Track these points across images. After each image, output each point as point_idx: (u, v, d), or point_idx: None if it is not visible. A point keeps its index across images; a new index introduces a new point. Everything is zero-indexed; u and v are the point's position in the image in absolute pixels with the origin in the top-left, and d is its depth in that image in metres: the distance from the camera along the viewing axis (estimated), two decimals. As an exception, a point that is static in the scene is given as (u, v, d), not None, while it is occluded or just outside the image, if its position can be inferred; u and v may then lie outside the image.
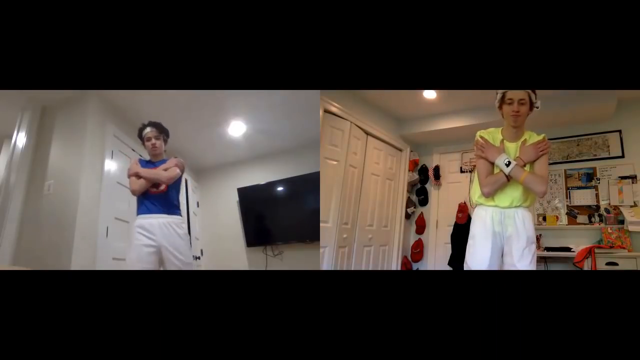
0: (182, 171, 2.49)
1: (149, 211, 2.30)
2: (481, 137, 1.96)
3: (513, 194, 1.85)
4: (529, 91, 1.83)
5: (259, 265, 4.58)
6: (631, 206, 3.47)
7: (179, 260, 2.25)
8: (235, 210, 4.87)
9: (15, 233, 2.90)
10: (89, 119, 3.06)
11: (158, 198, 2.34)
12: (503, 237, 1.84)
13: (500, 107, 1.90)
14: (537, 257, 3.78)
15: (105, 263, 2.93)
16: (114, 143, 3.33)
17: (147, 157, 2.56)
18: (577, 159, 3.86)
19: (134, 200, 3.53)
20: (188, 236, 2.45)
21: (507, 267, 1.83)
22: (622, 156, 3.64)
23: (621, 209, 3.49)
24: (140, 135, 2.54)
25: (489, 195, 1.85)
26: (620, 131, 3.69)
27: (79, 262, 2.66)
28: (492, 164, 1.87)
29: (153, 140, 2.46)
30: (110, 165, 3.23)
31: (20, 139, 3.12)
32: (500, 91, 1.87)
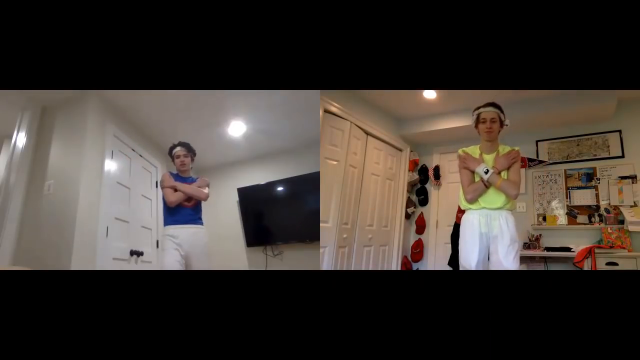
0: (208, 187, 2.86)
1: (179, 222, 2.62)
2: (463, 151, 2.29)
3: (497, 198, 2.13)
4: (499, 111, 2.20)
5: (259, 265, 4.58)
6: (631, 206, 3.47)
7: (200, 265, 2.56)
8: (235, 210, 4.86)
9: (15, 233, 2.90)
10: (89, 119, 3.06)
11: (189, 211, 2.67)
12: (489, 238, 2.10)
13: (476, 126, 2.26)
14: (537, 257, 3.80)
15: (105, 263, 2.93)
16: (114, 143, 3.33)
17: (174, 171, 2.89)
18: (577, 159, 3.86)
19: (133, 200, 3.56)
20: (207, 245, 2.74)
21: (493, 264, 2.09)
22: (622, 156, 3.64)
23: (621, 209, 3.49)
24: (170, 153, 2.87)
25: (472, 201, 2.16)
26: (620, 131, 3.69)
27: (79, 262, 2.66)
28: (473, 173, 2.19)
29: (182, 158, 2.79)
30: (110, 165, 3.23)
31: (20, 139, 3.12)
32: (474, 112, 2.25)
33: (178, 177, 2.81)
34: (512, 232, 2.08)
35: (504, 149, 2.22)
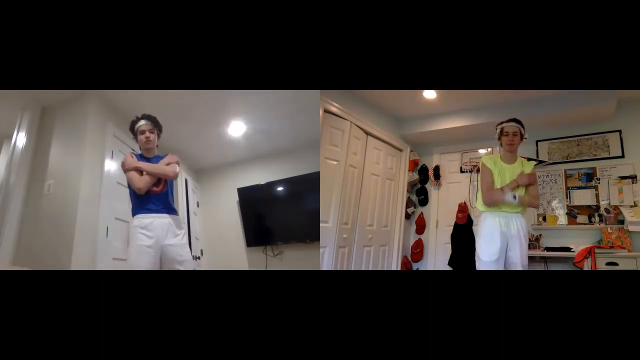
0: (179, 165, 2.46)
1: (150, 211, 2.24)
2: (485, 162, 2.53)
3: (517, 205, 2.42)
4: (520, 126, 2.48)
5: (259, 265, 4.58)
6: (631, 206, 3.47)
7: (179, 259, 2.23)
8: (235, 210, 4.87)
9: (15, 233, 2.90)
10: (89, 119, 3.06)
11: (158, 197, 2.29)
12: (508, 236, 2.39)
13: (499, 139, 2.53)
14: (537, 257, 3.83)
15: (105, 263, 2.93)
16: (114, 143, 3.33)
17: (139, 152, 2.47)
18: (577, 159, 3.86)
19: (133, 200, 3.55)
20: (187, 235, 2.44)
21: (510, 259, 2.37)
22: (622, 156, 3.64)
23: (621, 209, 3.49)
24: (132, 128, 2.45)
25: (490, 206, 2.45)
26: (620, 131, 3.68)
27: (79, 262, 2.66)
28: (493, 178, 2.46)
29: (147, 134, 2.37)
30: (110, 165, 3.23)
31: (20, 139, 3.12)
32: (498, 126, 2.51)
33: (142, 157, 2.37)
34: (525, 234, 2.42)
35: (522, 162, 2.54)
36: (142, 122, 2.41)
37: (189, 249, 2.38)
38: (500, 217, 2.42)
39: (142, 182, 2.22)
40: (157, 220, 2.23)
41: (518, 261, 2.35)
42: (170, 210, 2.33)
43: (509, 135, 2.46)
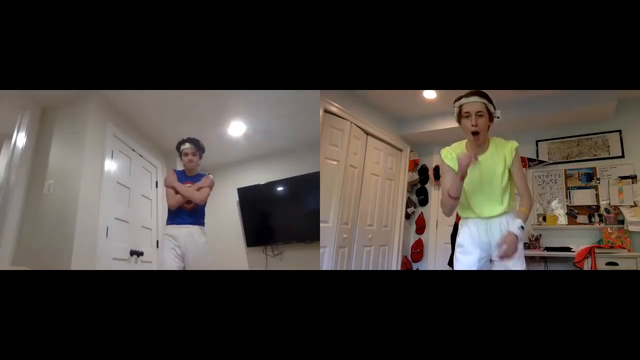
0: (211, 188, 2.75)
1: (178, 222, 2.58)
2: (447, 156, 1.90)
3: (496, 207, 1.85)
4: (486, 101, 1.78)
5: (259, 265, 4.58)
6: (631, 206, 3.47)
7: (197, 265, 2.52)
8: (235, 210, 4.86)
9: (15, 233, 2.90)
10: (89, 119, 3.05)
11: (189, 212, 2.60)
12: (491, 246, 1.83)
13: (459, 122, 1.84)
14: (537, 257, 3.78)
15: (105, 263, 2.93)
16: (114, 143, 3.32)
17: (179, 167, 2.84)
18: (577, 159, 3.86)
19: (133, 200, 3.56)
20: (207, 244, 2.67)
21: (497, 268, 1.85)
22: (622, 156, 3.64)
23: (621, 209, 3.49)
24: (178, 149, 2.78)
25: (446, 214, 1.92)
26: (620, 131, 3.69)
27: (79, 262, 2.66)
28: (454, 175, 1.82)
29: (190, 157, 2.70)
30: (110, 165, 3.23)
31: (20, 139, 3.12)
32: (456, 104, 1.83)
33: (183, 175, 2.72)
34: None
35: (497, 143, 1.87)
36: (187, 145, 2.73)
37: (206, 254, 2.64)
38: (479, 224, 1.86)
39: (173, 200, 2.57)
40: (182, 231, 2.56)
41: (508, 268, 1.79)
42: (196, 221, 2.63)
43: (471, 116, 1.75)
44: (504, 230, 1.81)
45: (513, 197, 1.90)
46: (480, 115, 1.76)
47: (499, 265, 1.84)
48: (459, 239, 1.94)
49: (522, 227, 1.76)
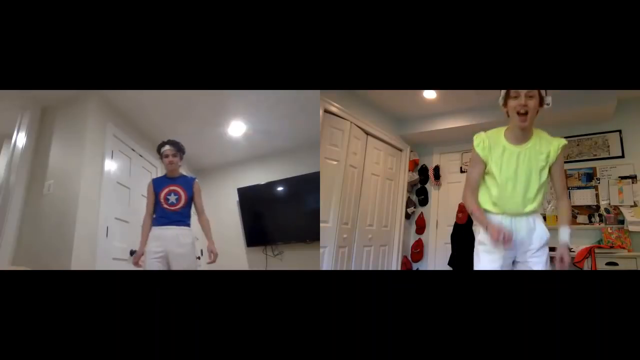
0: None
1: (162, 223, 2.58)
2: (480, 143, 1.77)
3: (525, 203, 1.73)
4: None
5: (259, 265, 4.58)
6: (631, 206, 3.47)
7: (181, 264, 2.49)
8: (235, 210, 4.86)
9: (15, 233, 2.90)
10: (89, 119, 3.05)
11: (172, 214, 2.60)
12: (515, 243, 1.71)
13: (505, 105, 1.68)
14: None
15: (105, 263, 2.93)
16: (114, 143, 3.32)
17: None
18: (577, 159, 3.86)
19: (133, 200, 3.56)
20: (193, 244, 2.63)
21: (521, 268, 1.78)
22: (622, 156, 3.64)
23: (621, 209, 3.49)
24: (158, 151, 2.76)
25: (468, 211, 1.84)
26: (620, 131, 3.69)
27: (79, 262, 2.66)
28: (484, 171, 1.78)
29: (170, 158, 2.68)
30: (110, 165, 3.22)
31: (20, 139, 3.12)
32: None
33: (165, 178, 2.73)
34: (542, 236, 1.73)
35: (541, 138, 1.71)
36: (167, 147, 2.72)
37: (192, 255, 2.61)
38: (503, 220, 1.74)
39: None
40: (166, 232, 2.56)
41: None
42: (180, 222, 2.62)
43: (520, 97, 1.59)
44: (530, 229, 1.73)
45: (545, 197, 1.78)
46: (530, 96, 1.60)
47: (521, 266, 1.76)
48: (481, 236, 1.80)
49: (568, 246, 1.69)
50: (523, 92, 1.60)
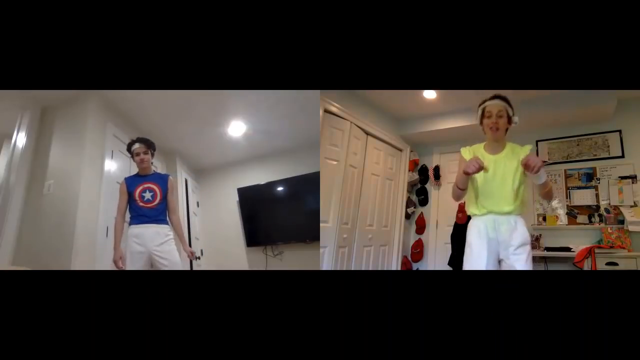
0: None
1: (141, 222, 2.53)
2: (465, 153, 2.07)
3: (507, 202, 1.94)
4: (506, 104, 1.96)
5: (259, 265, 4.58)
6: (631, 206, 3.47)
7: (164, 262, 2.47)
8: (235, 210, 4.87)
9: (15, 233, 2.90)
10: (89, 119, 3.06)
11: (149, 211, 2.56)
12: (498, 243, 1.93)
13: (480, 123, 2.03)
14: (537, 257, 3.79)
15: (105, 263, 2.93)
16: (114, 143, 3.33)
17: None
18: (577, 159, 3.86)
19: (133, 200, 3.55)
20: (173, 241, 2.60)
21: (505, 269, 1.92)
22: (622, 156, 3.64)
23: (621, 209, 3.49)
24: (129, 150, 2.71)
25: (455, 200, 2.12)
26: (620, 131, 3.69)
27: (78, 261, 2.66)
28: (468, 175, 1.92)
29: (142, 155, 2.63)
30: (110, 165, 3.23)
31: (20, 139, 3.12)
32: (480, 107, 2.02)
33: (138, 176, 2.66)
34: (522, 234, 1.93)
35: (513, 148, 2.00)
36: (137, 145, 2.67)
37: (174, 252, 2.56)
38: (487, 222, 1.94)
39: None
40: (146, 230, 2.52)
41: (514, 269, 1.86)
42: (159, 220, 2.58)
43: (492, 116, 1.92)
44: (512, 229, 1.91)
45: (524, 204, 1.99)
46: (500, 116, 1.94)
47: (505, 265, 1.92)
48: (468, 239, 2.02)
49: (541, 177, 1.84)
50: (494, 112, 1.94)
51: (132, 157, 2.69)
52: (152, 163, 2.72)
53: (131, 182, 2.63)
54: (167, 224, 2.62)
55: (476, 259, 1.92)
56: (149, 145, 2.69)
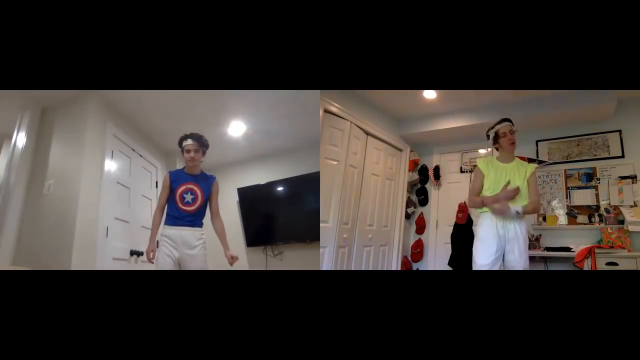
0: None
1: (175, 224, 2.49)
2: (482, 165, 2.47)
3: (513, 204, 2.33)
4: (511, 123, 2.43)
5: (259, 265, 4.57)
6: (631, 206, 3.47)
7: (192, 266, 2.43)
8: (235, 210, 4.86)
9: (15, 233, 2.90)
10: (89, 119, 3.05)
11: (187, 214, 2.52)
12: (505, 239, 2.31)
13: (495, 143, 2.47)
14: (537, 257, 3.82)
15: (105, 263, 2.93)
16: (114, 143, 3.32)
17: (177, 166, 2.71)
18: (577, 159, 3.86)
19: (133, 200, 3.56)
20: (204, 245, 2.57)
21: (509, 263, 2.29)
22: (622, 156, 3.64)
23: (621, 209, 3.49)
24: (180, 145, 2.60)
25: (471, 207, 2.64)
26: (620, 131, 3.69)
27: (78, 262, 2.65)
28: (481, 182, 2.44)
29: (192, 154, 2.53)
30: (110, 165, 3.22)
31: (20, 139, 3.12)
32: (491, 131, 2.46)
33: (183, 173, 2.58)
34: (525, 235, 2.33)
35: (518, 161, 2.46)
36: (189, 141, 2.55)
37: (203, 255, 2.54)
38: (497, 220, 2.35)
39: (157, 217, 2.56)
40: (178, 232, 2.48)
41: (517, 264, 2.25)
42: (193, 223, 2.54)
43: (507, 135, 2.41)
44: (517, 230, 2.30)
45: (532, 205, 2.36)
46: (512, 132, 2.42)
47: (509, 261, 2.27)
48: (480, 232, 2.40)
49: (518, 212, 2.28)
50: (507, 131, 2.41)
51: (182, 153, 2.59)
52: (201, 162, 2.63)
53: (175, 178, 2.54)
54: (201, 227, 2.59)
55: (487, 251, 2.29)
56: (202, 144, 2.58)
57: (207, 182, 2.60)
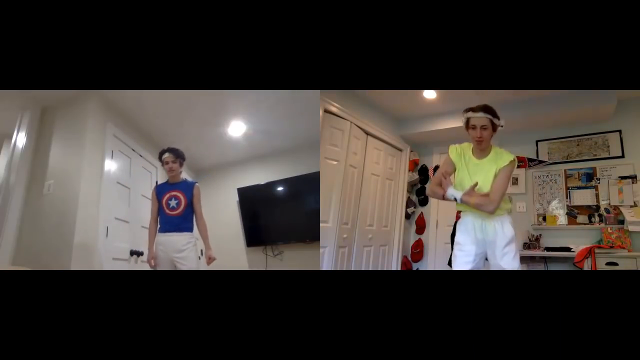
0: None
1: (165, 230, 2.74)
2: (454, 151, 2.15)
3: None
4: (490, 116, 1.96)
5: (259, 265, 4.57)
6: (631, 206, 3.47)
7: (183, 268, 2.65)
8: (235, 210, 4.86)
9: (15, 233, 2.90)
10: (89, 119, 3.05)
11: (174, 218, 2.74)
12: (485, 243, 2.04)
13: (466, 129, 2.04)
14: (537, 257, 3.78)
15: (105, 263, 2.93)
16: (114, 143, 3.32)
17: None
18: (577, 159, 3.86)
19: (133, 200, 3.56)
20: (193, 246, 2.76)
21: (492, 268, 2.03)
22: (622, 156, 3.64)
23: (621, 209, 3.49)
24: (160, 159, 2.91)
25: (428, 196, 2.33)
26: (620, 131, 3.69)
27: (78, 262, 2.66)
28: (448, 170, 2.12)
29: (170, 164, 2.82)
30: (110, 165, 3.22)
31: (20, 139, 3.12)
32: (464, 115, 2.03)
33: (166, 184, 2.86)
34: (507, 234, 2.00)
35: (497, 153, 2.04)
36: (166, 154, 2.85)
37: (194, 258, 2.73)
38: (474, 219, 2.05)
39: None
40: (168, 238, 2.72)
41: (506, 265, 1.95)
42: (181, 228, 2.75)
43: (477, 129, 1.96)
44: (498, 230, 2.00)
45: (506, 201, 2.06)
46: (484, 129, 1.97)
47: (493, 265, 2.02)
48: (457, 237, 2.12)
49: (455, 199, 2.00)
50: (479, 125, 1.97)
51: (162, 165, 2.89)
52: (180, 172, 2.91)
53: (160, 190, 2.84)
54: (190, 231, 2.79)
55: (464, 259, 2.03)
56: (178, 155, 2.87)
57: (188, 188, 2.84)
